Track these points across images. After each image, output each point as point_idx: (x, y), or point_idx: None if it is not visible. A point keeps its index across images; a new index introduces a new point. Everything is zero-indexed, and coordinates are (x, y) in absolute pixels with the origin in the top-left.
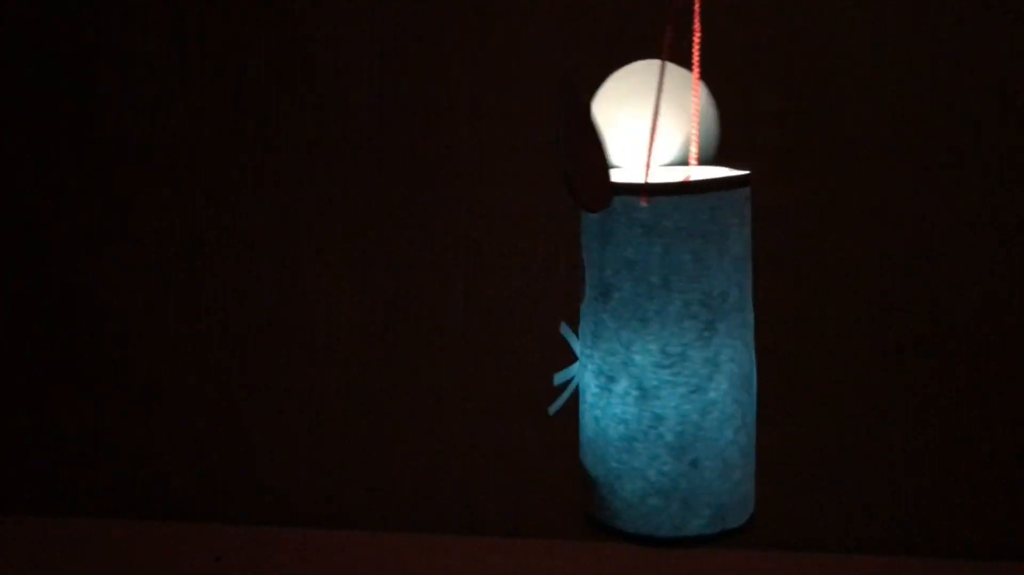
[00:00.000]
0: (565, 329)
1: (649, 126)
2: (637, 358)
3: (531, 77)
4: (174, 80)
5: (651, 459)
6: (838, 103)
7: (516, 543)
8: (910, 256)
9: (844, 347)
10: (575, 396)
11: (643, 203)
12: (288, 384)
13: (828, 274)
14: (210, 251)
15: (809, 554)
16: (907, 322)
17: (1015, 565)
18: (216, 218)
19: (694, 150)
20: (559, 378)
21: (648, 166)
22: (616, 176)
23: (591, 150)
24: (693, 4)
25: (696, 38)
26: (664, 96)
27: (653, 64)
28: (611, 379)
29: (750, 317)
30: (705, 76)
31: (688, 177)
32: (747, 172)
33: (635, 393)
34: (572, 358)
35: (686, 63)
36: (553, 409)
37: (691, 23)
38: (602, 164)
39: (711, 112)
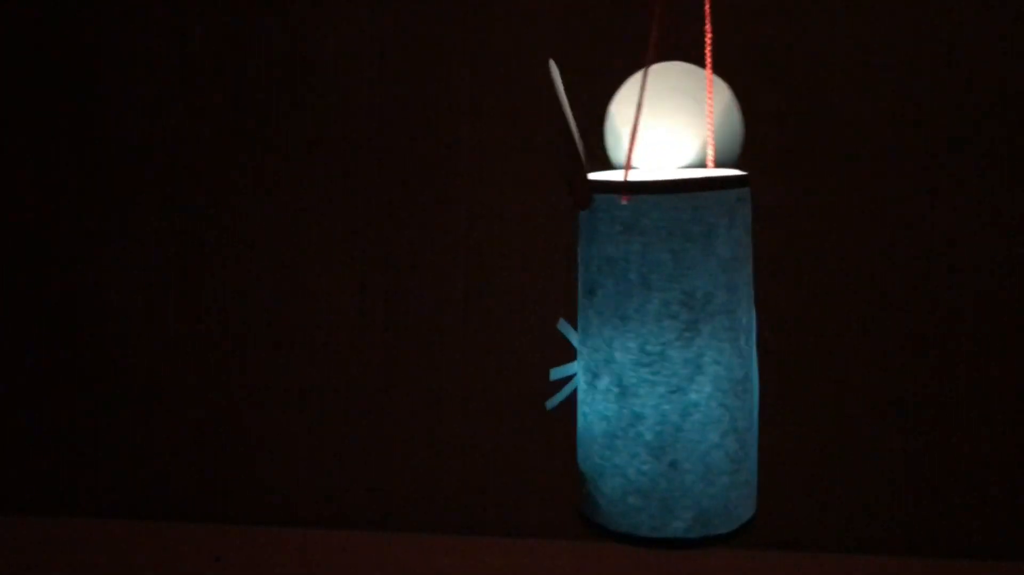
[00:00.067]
0: (564, 325)
1: (632, 125)
2: (618, 355)
3: (531, 77)
4: (174, 80)
5: (631, 457)
6: (838, 103)
7: (515, 543)
8: (910, 256)
9: (844, 347)
10: (574, 393)
11: (623, 201)
12: (288, 384)
13: (828, 274)
14: (210, 251)
15: (809, 554)
16: (907, 322)
17: (1015, 565)
18: (216, 218)
19: (710, 152)
20: (555, 374)
21: (629, 164)
22: (596, 173)
23: (568, 146)
24: (703, 5)
25: (708, 38)
26: (684, 97)
27: (672, 66)
28: (596, 375)
29: (744, 321)
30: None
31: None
32: (738, 173)
33: (616, 390)
34: (572, 355)
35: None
36: (551, 404)
37: (702, 24)
38: (577, 160)
39: (735, 115)
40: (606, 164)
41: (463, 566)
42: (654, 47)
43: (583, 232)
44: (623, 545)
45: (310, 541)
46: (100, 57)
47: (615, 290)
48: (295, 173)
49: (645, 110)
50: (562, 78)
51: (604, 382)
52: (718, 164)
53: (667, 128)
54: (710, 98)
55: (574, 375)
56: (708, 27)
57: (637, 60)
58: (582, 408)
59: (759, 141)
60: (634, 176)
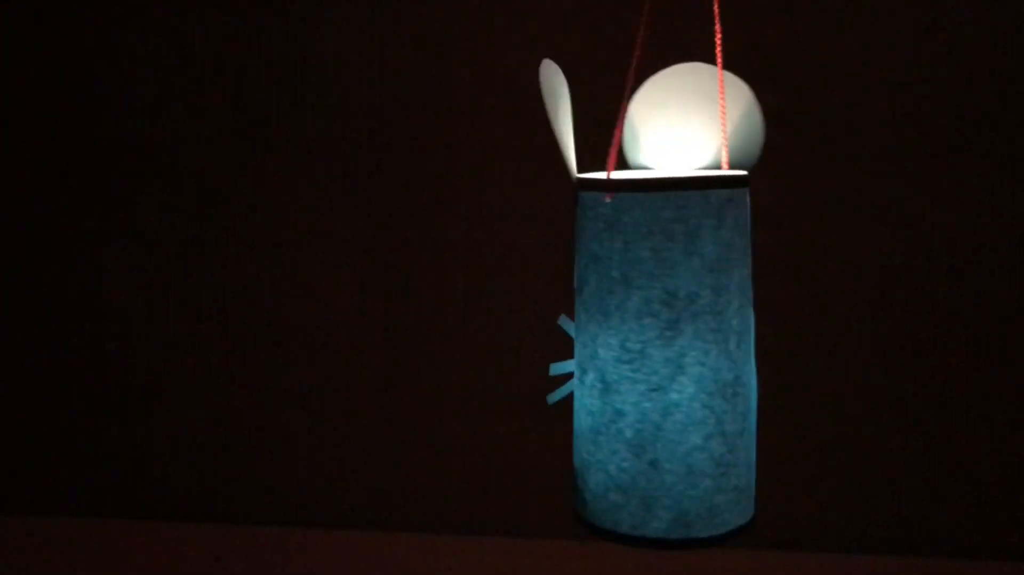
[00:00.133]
0: (564, 321)
1: (617, 122)
2: (601, 351)
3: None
4: (174, 80)
5: (612, 453)
6: (838, 103)
7: (516, 543)
8: (910, 256)
9: (844, 347)
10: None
11: (607, 199)
12: (288, 384)
13: (828, 274)
14: (210, 251)
15: (809, 554)
16: (907, 322)
17: (1015, 565)
18: (216, 218)
19: (724, 154)
20: (555, 369)
21: (612, 162)
22: (582, 171)
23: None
24: (713, 7)
25: (718, 38)
26: (703, 98)
27: (692, 67)
28: (584, 371)
29: (734, 323)
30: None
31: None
32: (730, 173)
33: (600, 386)
34: (572, 352)
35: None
36: (552, 399)
37: (701, 24)
38: (563, 156)
39: (756, 117)
40: (623, 163)
41: (463, 566)
42: (642, 45)
43: (575, 230)
44: (605, 541)
45: (310, 541)
46: (100, 57)
47: (598, 287)
48: (295, 173)
49: (664, 110)
50: (561, 77)
51: (590, 377)
52: (737, 165)
53: (685, 129)
54: (722, 99)
55: (573, 371)
56: (718, 27)
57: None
58: (576, 403)
59: None
60: (596, 172)
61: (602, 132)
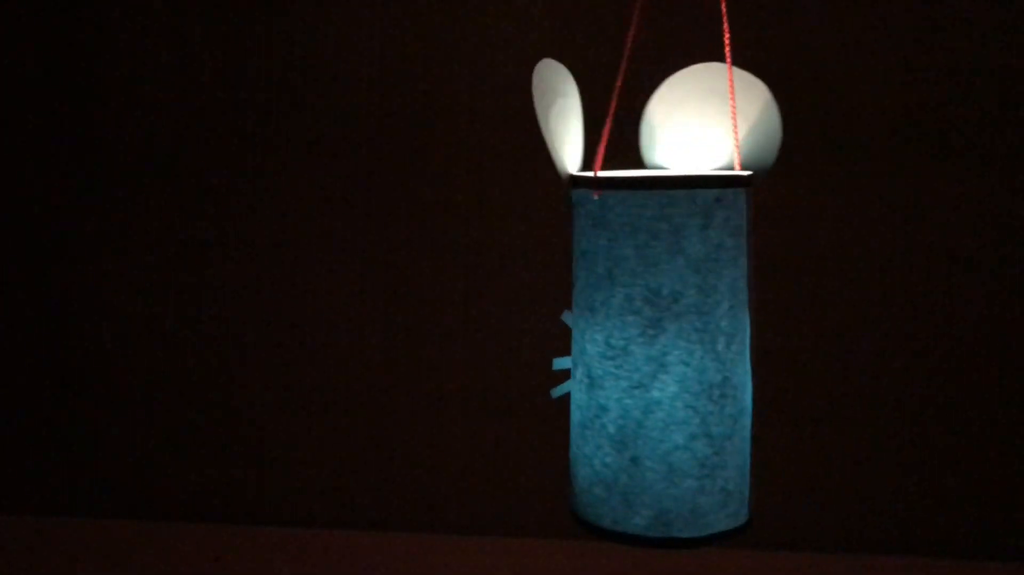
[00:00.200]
0: (567, 315)
1: (608, 121)
2: (588, 347)
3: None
4: (174, 80)
5: (596, 448)
6: (838, 103)
7: (515, 543)
8: (910, 256)
9: (844, 347)
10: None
11: (595, 196)
12: (288, 384)
13: (828, 274)
14: (210, 251)
15: (809, 554)
16: (907, 322)
17: (1015, 565)
18: (216, 218)
19: (735, 154)
20: (558, 364)
21: (600, 159)
22: (574, 169)
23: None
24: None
25: (726, 37)
26: (721, 99)
27: (709, 67)
28: (575, 365)
29: (723, 324)
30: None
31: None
32: (718, 174)
33: (586, 381)
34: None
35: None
36: (555, 394)
37: (701, 23)
38: (554, 154)
39: (774, 118)
40: (638, 161)
41: (463, 566)
42: (633, 39)
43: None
44: (590, 535)
45: (310, 541)
46: (100, 58)
47: (586, 282)
48: (295, 173)
49: (682, 110)
50: (565, 75)
51: (579, 372)
52: (754, 166)
53: (702, 129)
54: (732, 99)
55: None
56: (726, 26)
57: (632, 59)
58: (571, 397)
59: None
60: (584, 170)
61: (599, 131)
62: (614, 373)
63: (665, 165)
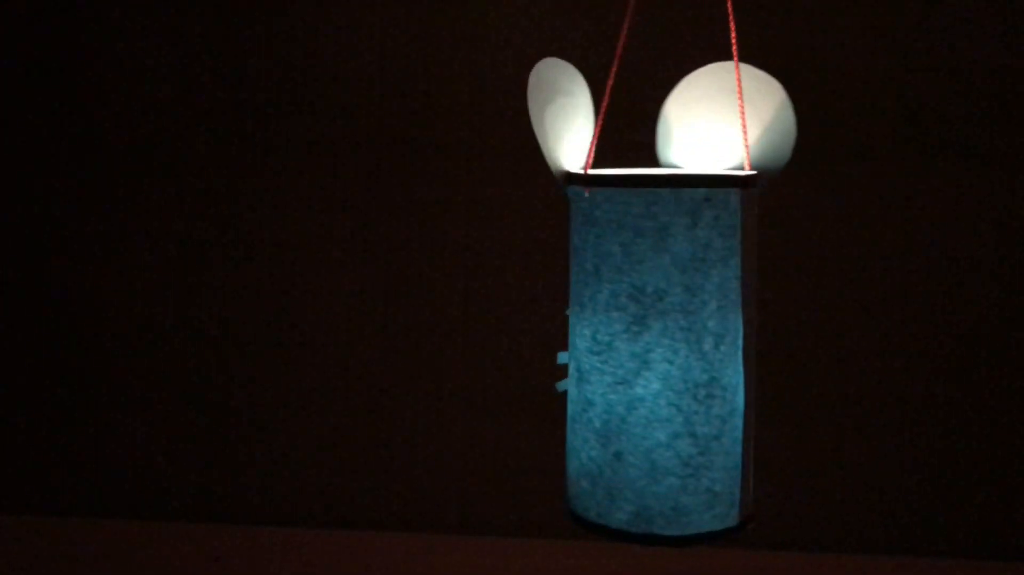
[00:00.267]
0: (572, 311)
1: (600, 119)
2: (578, 341)
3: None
4: (174, 80)
5: (583, 442)
6: (838, 103)
7: (514, 543)
8: (911, 256)
9: (844, 347)
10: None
11: (586, 193)
12: (288, 384)
13: (828, 274)
14: (210, 251)
15: (809, 554)
16: (907, 322)
17: (1015, 565)
18: (216, 218)
19: (744, 153)
20: (562, 358)
21: (590, 156)
22: (572, 166)
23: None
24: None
25: (733, 36)
26: (734, 98)
27: (726, 67)
28: (570, 359)
29: (711, 325)
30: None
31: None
32: (708, 174)
33: (576, 375)
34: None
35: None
36: (560, 387)
37: (727, 25)
38: (548, 152)
39: (788, 118)
40: (653, 160)
41: (461, 566)
42: (623, 43)
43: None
44: (576, 525)
45: (310, 541)
46: (100, 58)
47: (576, 278)
48: (295, 173)
49: (698, 109)
50: (573, 73)
51: (572, 366)
52: (767, 165)
53: (717, 128)
54: (740, 98)
55: None
56: (732, 25)
57: (632, 59)
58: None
59: None
60: (576, 168)
61: (611, 128)
62: (599, 368)
63: (680, 164)
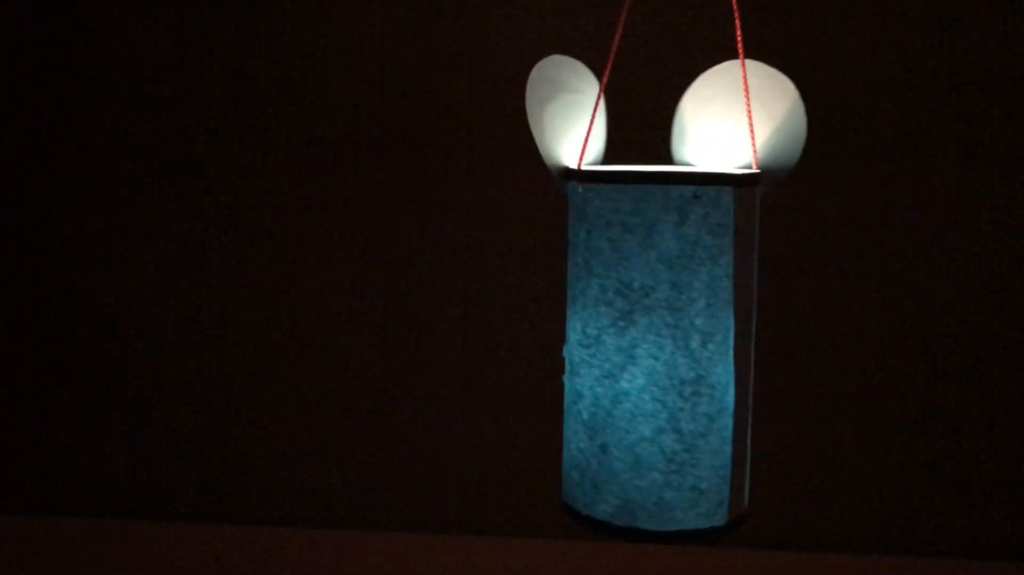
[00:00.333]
0: None
1: (592, 117)
2: (571, 334)
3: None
4: (173, 79)
5: (573, 433)
6: (838, 103)
7: (514, 543)
8: (910, 256)
9: (844, 347)
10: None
11: (580, 188)
12: (287, 383)
13: (828, 274)
14: (210, 251)
15: (807, 554)
16: (907, 322)
17: (1015, 565)
18: (215, 218)
19: (751, 152)
20: (567, 353)
21: (583, 152)
22: (564, 162)
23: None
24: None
25: (738, 34)
26: (751, 96)
27: (738, 64)
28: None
29: (698, 323)
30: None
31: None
32: (697, 171)
33: (569, 367)
34: None
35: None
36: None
37: (732, 25)
38: (546, 149)
39: (800, 119)
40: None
41: (462, 566)
42: (617, 42)
43: None
44: (568, 517)
45: (310, 541)
46: (100, 57)
47: (570, 272)
48: (295, 172)
49: (711, 107)
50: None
51: (567, 359)
52: (777, 164)
53: (730, 127)
54: (747, 96)
55: None
56: (738, 22)
57: (632, 59)
58: None
59: None
60: (571, 164)
61: (623, 126)
62: (588, 361)
63: (693, 162)
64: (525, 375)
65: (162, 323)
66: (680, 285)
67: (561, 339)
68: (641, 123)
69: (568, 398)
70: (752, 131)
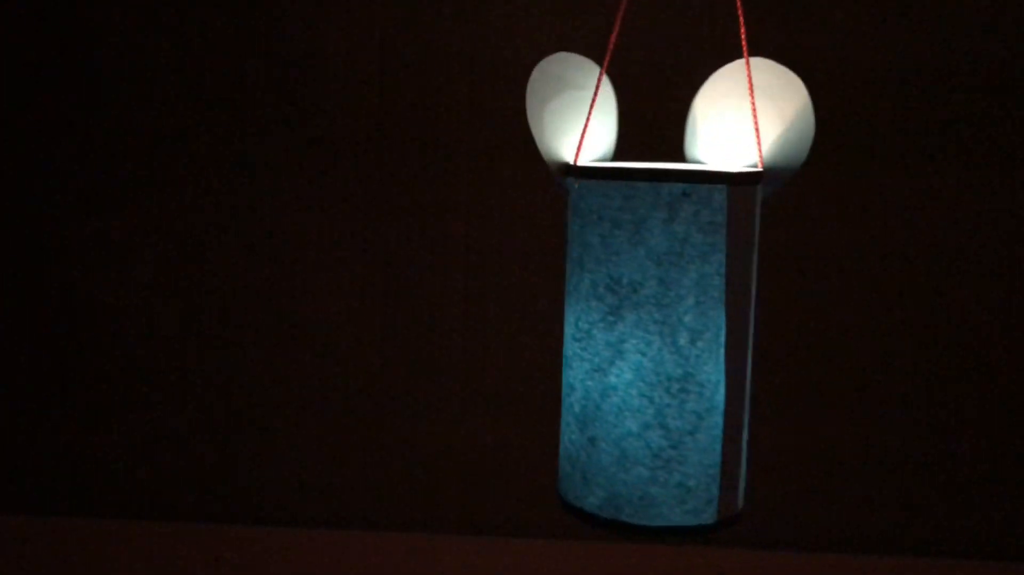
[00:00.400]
0: None
1: (589, 115)
2: (566, 328)
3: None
4: (174, 80)
5: (566, 425)
6: (838, 103)
7: (515, 543)
8: (910, 256)
9: (844, 347)
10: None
11: (576, 184)
12: (287, 384)
13: (829, 274)
14: (210, 251)
15: (807, 554)
16: (907, 322)
17: (1015, 565)
18: (216, 218)
19: (757, 151)
20: None
21: (580, 148)
22: (568, 158)
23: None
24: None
25: (743, 32)
26: (762, 96)
27: (754, 63)
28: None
29: (687, 319)
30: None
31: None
32: (687, 168)
33: (564, 360)
34: None
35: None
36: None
37: (737, 25)
38: (545, 147)
39: (809, 119)
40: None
41: (462, 566)
42: (614, 41)
43: None
44: (561, 507)
45: (310, 541)
46: (100, 57)
47: (567, 267)
48: (294, 173)
49: (723, 106)
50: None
51: (563, 353)
52: (784, 164)
53: (741, 124)
54: (752, 94)
55: None
56: (742, 20)
57: (632, 58)
58: None
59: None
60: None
61: (634, 123)
62: (580, 355)
63: (704, 160)
64: (525, 375)
65: (162, 323)
66: (668, 282)
67: (561, 339)
68: (658, 122)
69: (563, 391)
70: (757, 130)
